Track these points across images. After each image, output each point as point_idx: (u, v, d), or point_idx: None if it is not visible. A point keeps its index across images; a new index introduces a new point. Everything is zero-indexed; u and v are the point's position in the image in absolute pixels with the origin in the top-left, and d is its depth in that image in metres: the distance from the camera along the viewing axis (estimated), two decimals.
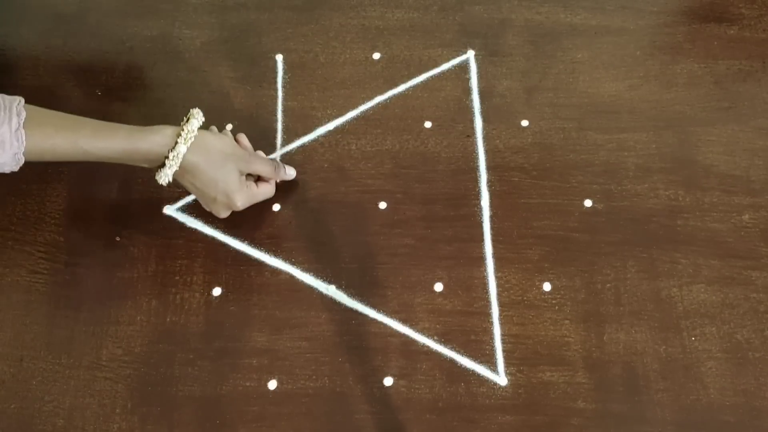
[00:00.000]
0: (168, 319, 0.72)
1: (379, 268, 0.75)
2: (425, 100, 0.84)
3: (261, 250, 0.76)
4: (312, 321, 0.72)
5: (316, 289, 0.74)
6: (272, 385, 0.69)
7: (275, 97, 0.85)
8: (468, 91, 0.85)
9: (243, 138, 0.78)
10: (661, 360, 0.70)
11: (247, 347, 0.71)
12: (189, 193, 0.78)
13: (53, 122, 0.68)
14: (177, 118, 0.81)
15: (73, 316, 0.73)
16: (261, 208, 0.78)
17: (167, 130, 0.69)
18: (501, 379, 0.69)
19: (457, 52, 0.87)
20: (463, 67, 0.87)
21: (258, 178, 0.77)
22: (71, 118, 0.69)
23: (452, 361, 0.70)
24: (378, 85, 0.85)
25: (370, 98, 0.85)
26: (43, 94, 0.85)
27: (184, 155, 0.69)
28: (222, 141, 0.73)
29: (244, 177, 0.74)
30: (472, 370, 0.70)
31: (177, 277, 0.74)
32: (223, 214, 0.75)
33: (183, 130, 0.69)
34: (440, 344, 0.71)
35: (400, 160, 0.81)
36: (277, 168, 0.77)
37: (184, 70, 0.87)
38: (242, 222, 0.77)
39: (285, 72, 0.87)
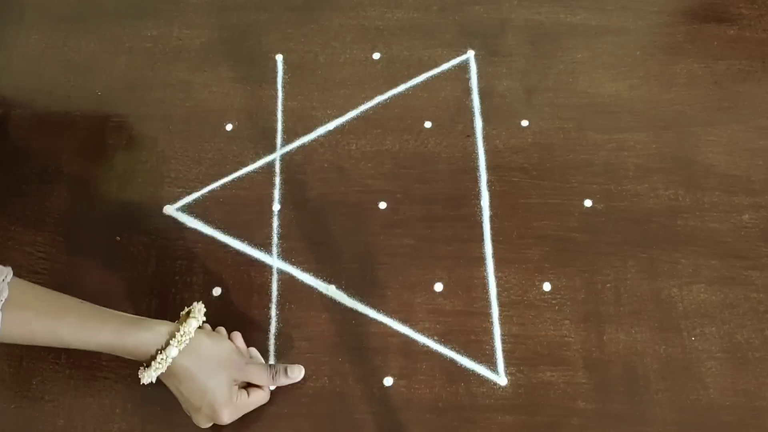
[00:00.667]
0: (168, 320, 0.72)
1: (379, 268, 0.75)
2: (425, 100, 0.84)
3: (261, 250, 0.76)
4: (312, 321, 0.72)
5: (316, 289, 0.74)
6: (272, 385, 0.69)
7: (275, 97, 0.85)
8: (468, 91, 0.85)
9: (238, 338, 0.69)
10: (661, 360, 0.70)
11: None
12: (189, 193, 0.78)
13: (35, 306, 0.60)
14: (177, 118, 0.81)
15: None
16: (261, 208, 0.78)
17: (161, 328, 0.62)
18: (501, 379, 0.69)
19: (457, 52, 0.87)
20: (463, 67, 0.87)
21: (250, 384, 0.67)
22: (57, 302, 0.62)
23: (452, 361, 0.70)
24: (378, 85, 0.85)
25: (370, 98, 0.84)
26: (43, 94, 0.85)
27: (174, 358, 0.61)
28: (218, 345, 0.65)
29: (236, 387, 0.65)
30: (472, 370, 0.70)
31: (177, 277, 0.74)
32: (204, 424, 0.65)
33: (179, 330, 0.62)
34: (440, 344, 0.71)
35: (400, 160, 0.81)
36: (276, 375, 0.67)
37: (184, 70, 0.87)
38: (242, 222, 0.77)
39: (285, 72, 0.87)
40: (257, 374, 0.66)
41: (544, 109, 0.83)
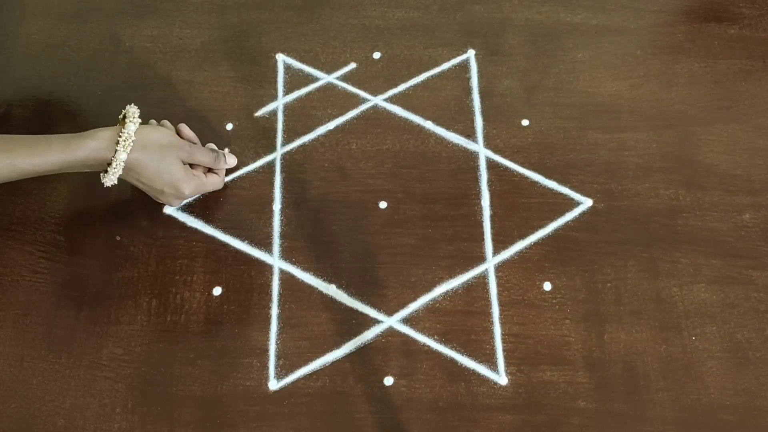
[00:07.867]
0: (168, 319, 0.72)
1: (380, 268, 0.75)
2: (425, 100, 0.84)
3: (261, 249, 0.76)
4: (312, 321, 0.72)
5: (316, 288, 0.74)
6: (272, 385, 0.69)
7: (275, 97, 0.85)
8: (468, 90, 0.85)
9: (184, 128, 0.77)
10: (661, 359, 0.70)
11: (247, 347, 0.71)
12: None
13: None
14: (178, 118, 0.81)
15: (74, 315, 0.73)
16: (261, 207, 0.78)
17: (104, 134, 0.69)
18: (501, 378, 0.69)
19: (457, 51, 0.87)
20: (464, 66, 0.87)
21: (209, 169, 0.77)
22: (4, 139, 0.69)
23: (452, 361, 0.70)
24: (378, 84, 0.85)
25: (370, 98, 0.85)
26: (43, 94, 0.86)
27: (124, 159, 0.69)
28: (159, 133, 0.73)
29: (188, 166, 0.74)
30: (473, 370, 0.70)
31: (177, 277, 0.74)
32: (175, 203, 0.77)
33: (120, 135, 0.69)
34: (440, 344, 0.71)
35: (400, 159, 0.81)
36: (217, 158, 0.77)
37: (184, 70, 0.87)
38: (242, 222, 0.77)
39: (285, 71, 0.87)
40: (200, 155, 0.75)
41: (545, 108, 0.83)
